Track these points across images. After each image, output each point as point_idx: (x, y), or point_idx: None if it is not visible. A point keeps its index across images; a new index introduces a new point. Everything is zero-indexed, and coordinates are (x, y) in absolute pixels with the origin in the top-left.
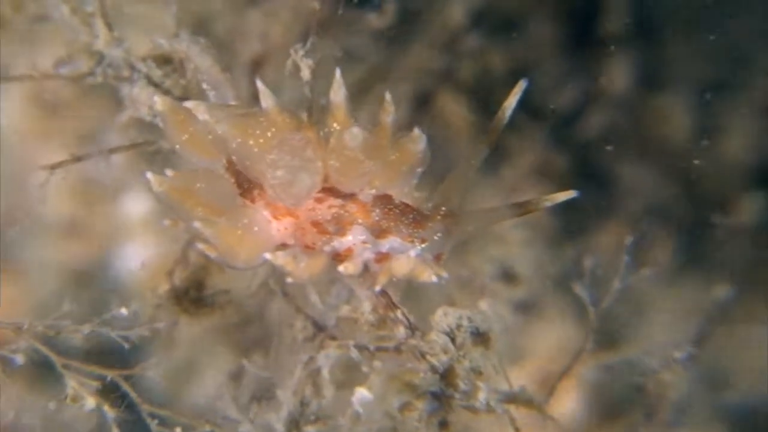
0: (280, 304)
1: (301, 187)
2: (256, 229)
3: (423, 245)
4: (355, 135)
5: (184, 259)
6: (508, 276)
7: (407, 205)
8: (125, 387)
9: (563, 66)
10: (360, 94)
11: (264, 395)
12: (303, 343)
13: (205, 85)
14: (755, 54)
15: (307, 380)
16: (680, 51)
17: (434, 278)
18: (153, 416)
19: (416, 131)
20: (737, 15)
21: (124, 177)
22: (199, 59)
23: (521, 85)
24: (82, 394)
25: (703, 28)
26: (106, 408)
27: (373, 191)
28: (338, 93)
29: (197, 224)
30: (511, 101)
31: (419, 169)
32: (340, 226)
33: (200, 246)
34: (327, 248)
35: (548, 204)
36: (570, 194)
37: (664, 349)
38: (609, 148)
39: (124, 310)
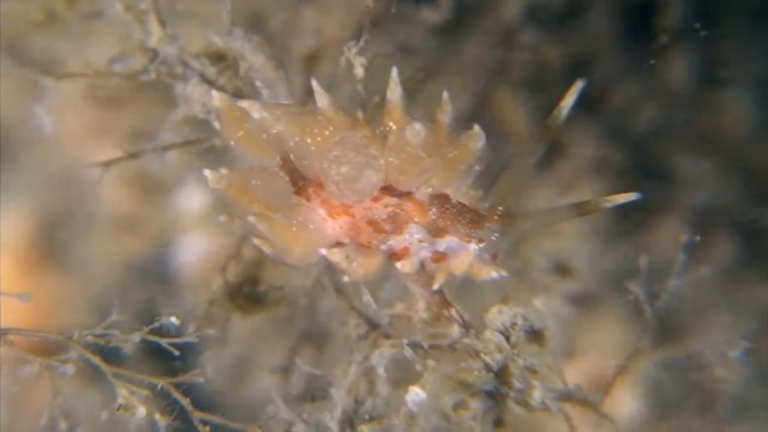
0: (334, 302)
1: (367, 184)
2: (311, 226)
3: (480, 245)
4: (417, 130)
5: (238, 254)
6: (563, 270)
7: (464, 205)
8: (176, 395)
9: (620, 59)
10: (414, 89)
11: (317, 394)
12: (357, 341)
13: (258, 83)
14: None
15: (362, 379)
16: (741, 45)
17: (494, 274)
18: (205, 423)
19: (476, 128)
20: None
21: (178, 174)
22: (253, 56)
23: (578, 85)
24: (133, 402)
25: (763, 20)
26: (157, 416)
27: (430, 190)
28: (394, 92)
29: (252, 219)
30: (568, 101)
31: (477, 167)
32: (397, 225)
33: (256, 241)
34: (383, 247)
35: (608, 205)
36: (630, 196)
37: (721, 346)
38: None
39: (174, 320)
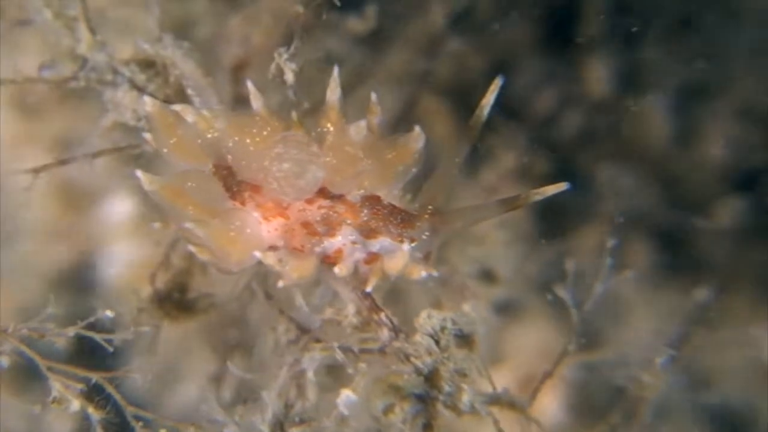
0: (263, 307)
1: (309, 180)
2: (248, 230)
3: (413, 244)
4: (361, 128)
5: (167, 262)
6: (489, 276)
7: (395, 206)
8: (110, 389)
9: (542, 68)
10: (343, 96)
11: (249, 397)
12: (287, 346)
13: (189, 91)
14: (734, 56)
15: (292, 382)
16: (659, 53)
17: (424, 273)
18: (138, 418)
19: (417, 129)
20: (716, 17)
21: (107, 181)
22: (182, 63)
23: (497, 83)
24: (66, 396)
25: (682, 30)
26: (90, 410)
27: (362, 192)
28: (334, 92)
29: (189, 225)
30: (489, 98)
31: (414, 170)
32: (330, 227)
33: (191, 248)
34: (317, 249)
35: (538, 197)
36: (561, 187)
37: (645, 351)
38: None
39: (109, 313)
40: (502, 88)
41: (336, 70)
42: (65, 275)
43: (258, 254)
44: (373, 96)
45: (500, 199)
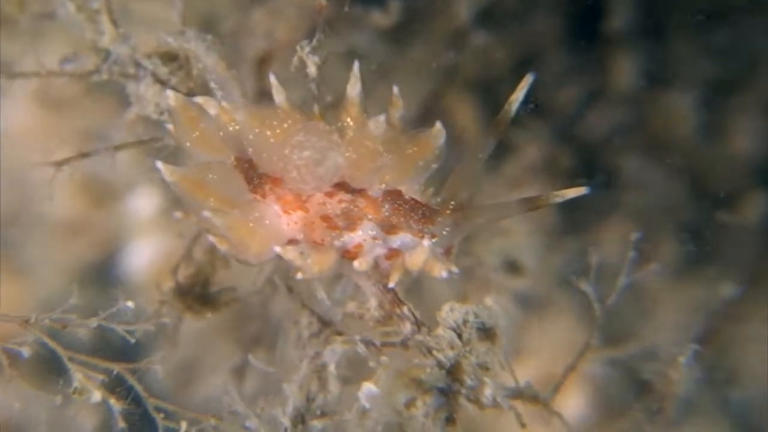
0: (285, 301)
1: (329, 167)
2: (267, 222)
3: (433, 240)
4: (380, 123)
5: (189, 256)
6: (513, 268)
7: (416, 201)
8: (131, 380)
9: (568, 61)
10: (365, 91)
11: (270, 390)
12: (309, 339)
13: (212, 84)
14: (762, 52)
15: (313, 375)
16: (687, 48)
17: (444, 273)
18: (159, 410)
19: (438, 125)
20: (744, 11)
21: (129, 174)
22: (205, 56)
23: (528, 79)
24: (88, 387)
25: (710, 24)
26: (112, 401)
27: (383, 186)
28: (354, 87)
29: (208, 213)
30: (518, 95)
31: (434, 165)
32: (350, 221)
33: (211, 238)
34: (337, 243)
35: (558, 200)
36: (580, 191)
37: (670, 346)
38: (614, 148)
39: (130, 304)
40: (532, 85)
41: (356, 65)
42: (88, 268)
43: (278, 248)
44: (395, 89)
45: (522, 198)
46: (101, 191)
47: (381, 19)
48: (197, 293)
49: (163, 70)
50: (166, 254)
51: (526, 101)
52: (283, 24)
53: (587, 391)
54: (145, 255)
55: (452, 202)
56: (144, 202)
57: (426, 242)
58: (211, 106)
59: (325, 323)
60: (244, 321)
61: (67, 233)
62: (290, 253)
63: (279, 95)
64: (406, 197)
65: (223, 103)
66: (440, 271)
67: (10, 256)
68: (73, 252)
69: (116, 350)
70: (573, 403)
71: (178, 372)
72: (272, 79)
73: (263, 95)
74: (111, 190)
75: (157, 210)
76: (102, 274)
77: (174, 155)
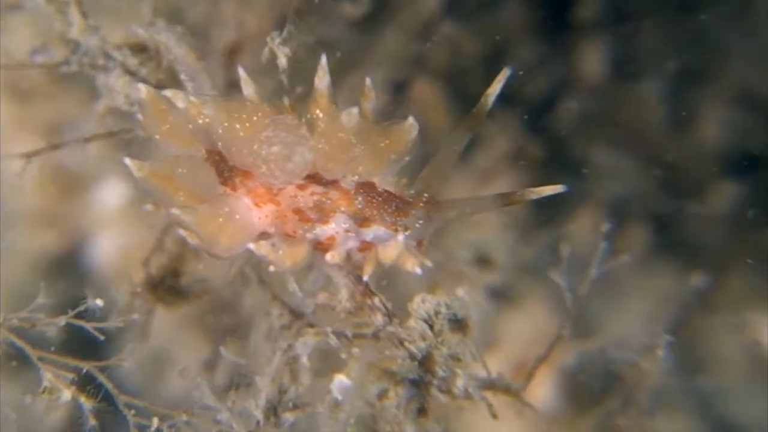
0: (257, 292)
1: (298, 163)
2: (237, 216)
3: (406, 233)
4: (353, 115)
5: (160, 247)
6: (484, 261)
7: (390, 193)
8: (101, 378)
9: (537, 52)
10: (335, 82)
11: (242, 382)
12: (280, 331)
13: (182, 76)
14: (729, 41)
15: (285, 367)
16: (654, 37)
17: (418, 270)
18: (130, 407)
19: (410, 120)
20: (713, 1)
21: (99, 166)
22: (176, 47)
23: (505, 73)
24: (57, 386)
25: (677, 14)
26: (82, 399)
27: (356, 178)
28: (323, 79)
29: (176, 211)
30: (495, 88)
31: (407, 158)
32: (323, 214)
33: (181, 232)
34: (309, 236)
35: (534, 197)
36: (557, 188)
37: (641, 337)
38: (583, 138)
39: (99, 302)
40: (508, 78)
41: (324, 58)
42: (57, 261)
43: (251, 245)
44: (368, 81)
45: (497, 193)
46: (71, 182)
47: (351, 9)
48: (168, 285)
49: (132, 61)
50: (137, 245)
51: (500, 94)
52: (253, 14)
53: (559, 381)
54: (114, 246)
55: (425, 195)
56: (114, 193)
57: (400, 237)
58: (179, 99)
59: (296, 315)
60: (216, 313)
61: (36, 224)
62: (263, 249)
63: (248, 88)
64: (380, 189)
65: (192, 97)
66: (413, 266)
67: None
68: (43, 243)
69: (86, 343)
70: (545, 393)
71: (149, 365)
72: (241, 71)
73: (233, 86)
74: (81, 181)
75: (127, 201)
76: (71, 266)
77: (144, 146)
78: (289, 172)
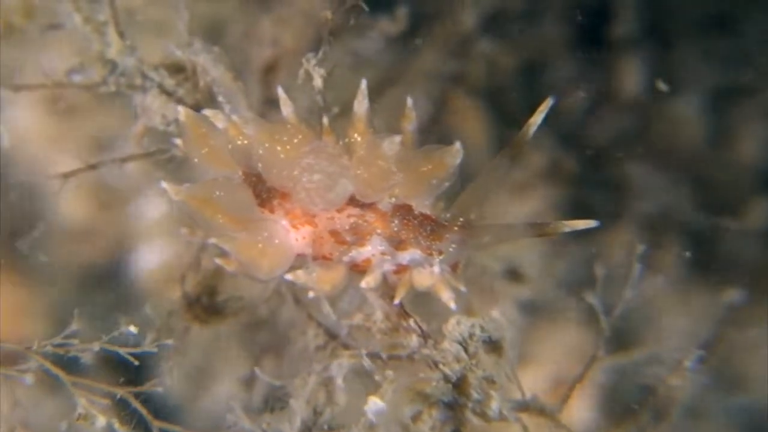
0: (293, 312)
1: (340, 193)
2: (276, 241)
3: (440, 257)
4: (395, 144)
5: (197, 265)
6: (516, 276)
7: (426, 216)
8: (135, 404)
9: (574, 68)
10: (372, 99)
11: (276, 404)
12: (315, 351)
13: (219, 96)
14: (766, 57)
15: (320, 389)
16: (692, 54)
17: (453, 306)
18: None
19: (457, 145)
20: (749, 17)
21: (137, 184)
22: (213, 68)
23: (548, 103)
24: (92, 412)
25: (715, 31)
26: (116, 425)
27: (393, 200)
28: (362, 104)
29: (215, 240)
30: (537, 118)
31: (447, 183)
32: (359, 236)
33: (218, 260)
34: (345, 258)
35: (567, 230)
36: (590, 224)
37: (675, 353)
38: (619, 155)
39: (132, 329)
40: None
41: (364, 83)
42: (96, 277)
43: (290, 276)
44: (409, 101)
45: (531, 223)
46: (109, 200)
47: (388, 26)
48: (205, 303)
49: (169, 82)
50: (174, 263)
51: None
52: (290, 32)
53: (592, 397)
54: (152, 262)
55: (461, 219)
56: (151, 212)
57: (436, 267)
58: (219, 120)
59: (331, 335)
60: (251, 331)
61: (75, 241)
62: (301, 278)
63: (287, 108)
64: (416, 212)
65: (234, 117)
66: (449, 300)
67: (19, 263)
68: (82, 259)
69: (121, 365)
70: (579, 413)
71: (186, 383)
72: (280, 91)
73: (270, 104)
74: (119, 199)
75: (164, 218)
76: (110, 282)
77: (181, 166)
78: (329, 201)
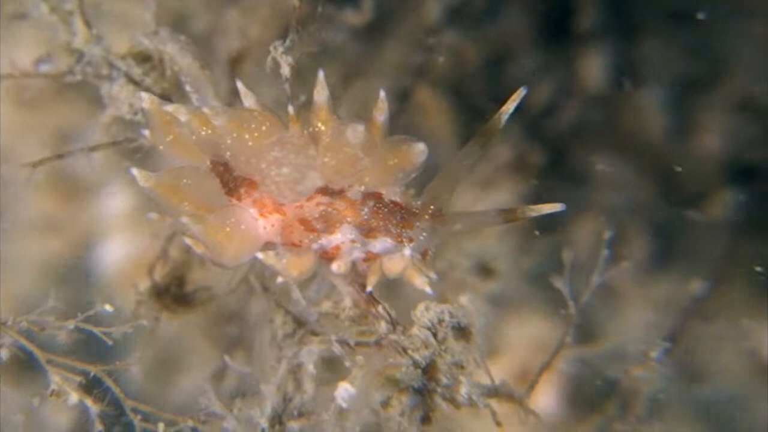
0: (261, 300)
1: (308, 185)
2: (243, 227)
3: (411, 244)
4: (358, 132)
5: (165, 255)
6: (485, 270)
7: (396, 203)
8: (108, 382)
9: (538, 60)
10: (339, 89)
11: (248, 390)
12: (283, 339)
13: (186, 85)
14: (730, 49)
15: (290, 375)
16: (654, 46)
17: (428, 289)
18: (136, 411)
19: (421, 146)
20: (712, 10)
21: (104, 174)
22: (180, 57)
23: (520, 93)
24: (65, 389)
25: (677, 22)
26: (89, 403)
27: (363, 188)
28: (321, 94)
29: (186, 219)
30: (509, 107)
31: (413, 175)
32: (329, 224)
33: (187, 241)
34: (315, 246)
35: (533, 214)
36: (556, 207)
37: (639, 344)
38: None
39: (108, 307)
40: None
41: (321, 73)
42: (63, 268)
43: (260, 255)
44: (382, 93)
45: (499, 209)
46: (76, 190)
47: (353, 17)
48: (174, 293)
49: (136, 71)
50: (141, 253)
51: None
52: (257, 23)
53: (560, 388)
54: (119, 253)
55: (431, 207)
56: (119, 202)
57: (407, 251)
58: (181, 114)
59: (299, 323)
60: (221, 320)
61: (42, 232)
62: (270, 259)
63: (248, 100)
64: (386, 200)
65: (203, 109)
66: (423, 284)
67: None
68: (49, 251)
69: (93, 349)
70: (546, 400)
71: (155, 372)
72: (239, 85)
73: (237, 95)
74: (86, 190)
75: (132, 209)
76: (78, 273)
77: (148, 155)
78: (299, 194)
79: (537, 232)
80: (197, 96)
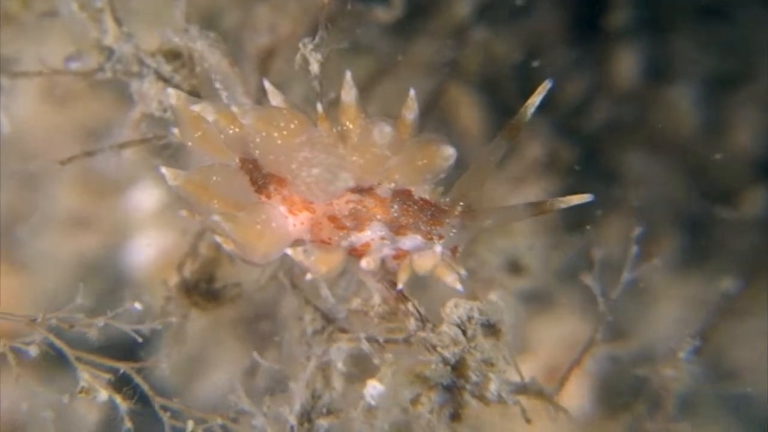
0: (290, 297)
1: (340, 186)
2: (274, 224)
3: (441, 242)
4: (385, 132)
5: (194, 252)
6: (515, 267)
7: (425, 201)
8: (138, 379)
9: (570, 56)
10: (369, 86)
11: (277, 388)
12: (312, 336)
13: (216, 83)
14: (763, 46)
15: (319, 373)
16: (687, 42)
17: (459, 286)
18: (165, 409)
19: (451, 150)
20: (746, 6)
21: (134, 171)
22: (209, 54)
23: (546, 85)
24: (94, 386)
25: (711, 19)
26: (118, 400)
27: (392, 186)
28: (349, 93)
29: (216, 218)
30: (535, 100)
31: (442, 176)
32: (358, 222)
33: (217, 238)
34: (344, 243)
35: (563, 206)
36: (584, 198)
37: (670, 342)
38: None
39: (138, 305)
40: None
41: (348, 74)
42: (92, 265)
43: (289, 251)
44: (412, 92)
45: (528, 203)
46: (106, 188)
47: (383, 14)
48: (203, 289)
49: (166, 68)
50: (171, 250)
51: (540, 106)
52: (287, 19)
53: (590, 386)
54: (149, 250)
55: (461, 203)
56: (148, 199)
57: (438, 248)
58: (209, 113)
59: (328, 320)
60: (250, 317)
61: (71, 228)
62: (300, 255)
63: (276, 98)
64: (415, 197)
65: (232, 108)
66: (454, 281)
67: (14, 251)
68: (78, 247)
69: (122, 346)
70: (576, 398)
71: (184, 368)
72: (267, 84)
73: (266, 92)
74: (115, 187)
75: (161, 206)
76: (107, 270)
77: (178, 153)
78: (331, 194)
79: (568, 232)
80: (227, 93)
